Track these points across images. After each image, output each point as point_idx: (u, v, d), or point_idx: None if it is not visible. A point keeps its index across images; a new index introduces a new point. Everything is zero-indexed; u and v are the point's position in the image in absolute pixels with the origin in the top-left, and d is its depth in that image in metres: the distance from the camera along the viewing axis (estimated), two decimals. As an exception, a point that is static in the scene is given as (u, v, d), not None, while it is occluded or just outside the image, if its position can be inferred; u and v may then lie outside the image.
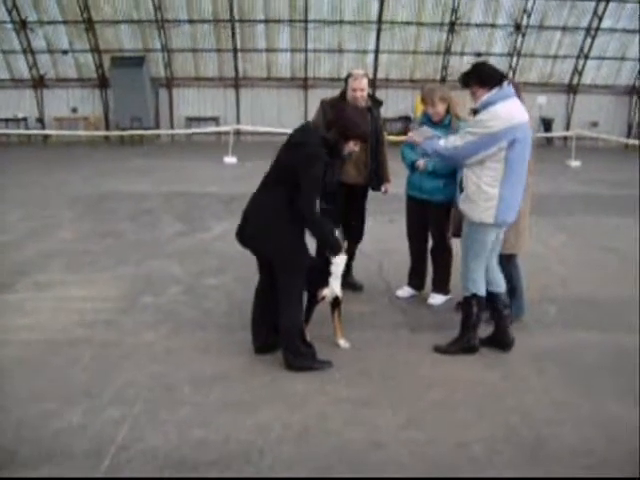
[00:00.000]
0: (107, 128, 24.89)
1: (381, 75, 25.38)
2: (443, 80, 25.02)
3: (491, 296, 5.26)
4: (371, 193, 6.63)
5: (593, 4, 23.84)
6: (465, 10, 24.11)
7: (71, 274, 7.27)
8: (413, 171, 6.16)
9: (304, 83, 25.52)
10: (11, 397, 4.40)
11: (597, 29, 24.37)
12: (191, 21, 24.18)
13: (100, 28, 24.01)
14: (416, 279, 6.63)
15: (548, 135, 24.05)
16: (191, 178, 14.99)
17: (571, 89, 26.17)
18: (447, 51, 25.16)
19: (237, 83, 25.52)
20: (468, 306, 5.21)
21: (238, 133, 22.68)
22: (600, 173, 17.17)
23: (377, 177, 6.52)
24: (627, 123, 26.69)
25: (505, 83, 4.82)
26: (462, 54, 25.13)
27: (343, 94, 6.34)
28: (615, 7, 23.77)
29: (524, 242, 5.72)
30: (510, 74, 23.85)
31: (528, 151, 4.89)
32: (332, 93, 6.77)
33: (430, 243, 6.47)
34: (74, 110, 25.26)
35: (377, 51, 25.14)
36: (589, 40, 24.76)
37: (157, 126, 24.75)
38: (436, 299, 6.45)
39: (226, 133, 20.72)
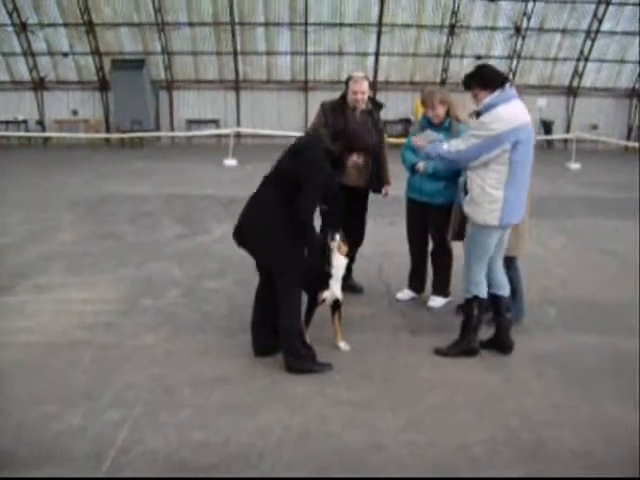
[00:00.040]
0: (107, 130, 24.92)
1: (381, 78, 25.43)
2: (443, 83, 25.06)
3: (494, 298, 5.26)
4: (371, 195, 6.63)
5: (593, 7, 23.89)
6: (465, 13, 24.15)
7: (71, 276, 7.27)
8: (413, 173, 6.16)
9: (304, 86, 25.55)
10: (11, 399, 4.39)
11: (597, 32, 24.42)
12: (191, 24, 24.23)
13: (100, 30, 24.06)
14: (416, 282, 6.63)
15: (548, 138, 24.06)
16: (191, 181, 15.00)
17: (571, 92, 26.20)
18: (447, 54, 25.21)
19: (237, 86, 25.56)
20: (469, 308, 5.21)
21: (238, 136, 22.67)
22: (600, 176, 17.18)
23: (378, 179, 6.52)
24: (627, 126, 26.73)
25: (507, 85, 4.82)
26: (462, 57, 25.18)
27: (344, 97, 6.34)
28: (615, 10, 23.82)
29: (524, 244, 5.72)
30: (510, 77, 23.85)
31: (531, 152, 4.90)
32: (332, 96, 6.77)
33: (430, 246, 6.47)
34: (74, 112, 25.29)
35: (377, 54, 25.18)
36: (589, 43, 24.81)
37: (157, 128, 24.77)
38: (436, 302, 6.45)
39: (226, 136, 20.74)
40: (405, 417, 4.25)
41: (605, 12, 23.81)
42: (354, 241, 6.25)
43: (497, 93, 4.77)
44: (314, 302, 5.25)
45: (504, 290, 5.27)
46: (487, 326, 5.40)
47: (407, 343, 5.53)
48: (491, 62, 21.67)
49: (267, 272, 4.95)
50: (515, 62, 25.35)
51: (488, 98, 4.78)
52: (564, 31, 24.73)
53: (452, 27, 24.48)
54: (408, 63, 25.68)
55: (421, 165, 5.97)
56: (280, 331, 4.85)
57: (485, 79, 4.84)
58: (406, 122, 24.33)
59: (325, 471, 3.64)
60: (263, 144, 22.64)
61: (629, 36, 24.62)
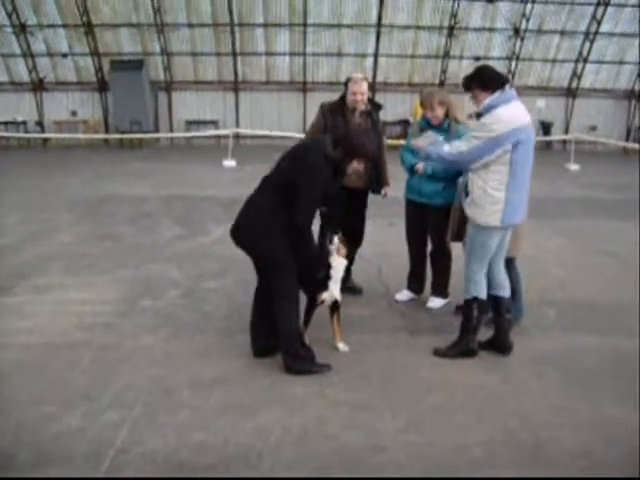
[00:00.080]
0: (106, 131, 24.96)
1: (380, 79, 25.47)
2: (442, 84, 25.11)
3: (495, 299, 5.27)
4: (371, 196, 6.63)
5: (591, 8, 23.95)
6: (464, 14, 24.17)
7: (70, 277, 7.27)
8: (412, 174, 6.17)
9: (303, 87, 25.59)
10: (10, 400, 4.39)
11: (596, 33, 24.47)
12: (190, 25, 24.27)
13: (99, 31, 24.10)
14: (415, 283, 6.63)
15: (547, 139, 24.08)
16: (190, 181, 15.00)
17: (570, 93, 26.25)
18: (446, 55, 25.26)
19: (236, 86, 25.59)
20: (469, 309, 5.21)
21: (237, 136, 22.71)
22: (599, 177, 17.20)
23: (377, 181, 6.52)
24: (626, 127, 26.78)
25: (507, 86, 4.83)
26: (461, 58, 25.24)
27: (343, 98, 6.35)
28: (613, 11, 23.87)
29: (522, 245, 5.73)
30: (509, 78, 23.88)
31: (531, 153, 4.90)
32: (331, 97, 6.78)
33: (429, 247, 6.48)
34: (73, 113, 25.33)
35: (376, 55, 25.23)
36: (588, 44, 24.86)
37: (156, 129, 24.79)
38: (435, 303, 6.45)
39: (225, 136, 20.78)
40: (404, 418, 4.25)
41: (604, 13, 23.86)
42: (353, 242, 6.25)
43: (497, 94, 4.77)
44: (313, 303, 5.25)
45: (505, 291, 5.28)
46: (486, 327, 5.39)
47: (406, 344, 5.53)
48: (490, 63, 21.72)
49: (265, 273, 4.96)
50: (514, 63, 25.41)
51: (488, 99, 4.79)
52: (563, 32, 24.78)
53: (451, 28, 24.53)
54: (407, 64, 25.73)
55: (420, 166, 5.97)
56: (279, 332, 4.85)
57: (485, 80, 4.84)
58: (405, 123, 24.35)
59: (324, 472, 3.64)
60: (262, 145, 22.66)
61: (628, 37, 24.68)
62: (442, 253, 6.34)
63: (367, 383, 4.76)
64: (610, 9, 23.75)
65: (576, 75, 25.82)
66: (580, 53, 25.26)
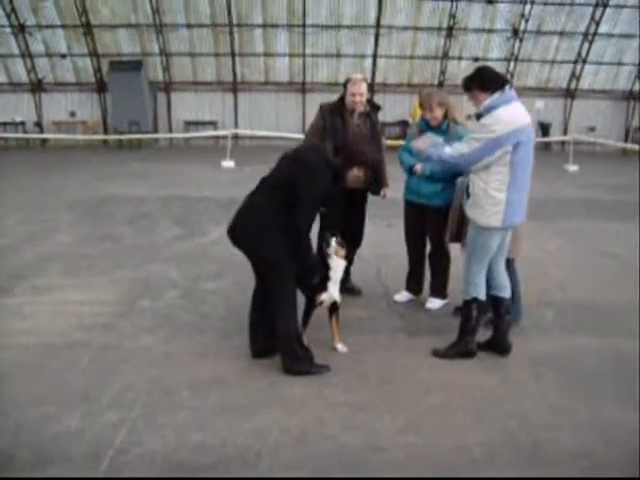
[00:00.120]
0: (105, 132, 24.95)
1: (379, 80, 25.46)
2: (441, 85, 25.10)
3: (495, 300, 5.28)
4: (370, 197, 6.63)
5: (590, 9, 23.95)
6: (463, 15, 24.18)
7: (69, 278, 7.27)
8: (411, 175, 6.17)
9: (302, 87, 25.59)
10: (10, 401, 4.39)
11: (594, 34, 24.47)
12: (189, 25, 24.26)
13: (98, 32, 24.08)
14: (414, 284, 6.63)
15: (546, 140, 24.08)
16: (189, 182, 15.00)
17: (569, 94, 26.25)
18: (445, 56, 25.25)
19: (235, 87, 25.58)
20: (468, 310, 5.21)
21: (236, 137, 22.71)
22: (598, 178, 17.21)
23: (376, 182, 6.52)
24: (624, 128, 26.78)
25: (507, 87, 4.84)
26: (460, 59, 25.25)
27: (342, 99, 6.35)
28: (612, 12, 23.88)
29: (522, 247, 5.74)
30: (509, 79, 23.91)
31: (532, 154, 4.91)
32: (330, 97, 6.78)
33: (428, 248, 6.48)
34: (72, 114, 25.31)
35: (375, 56, 25.22)
36: (586, 45, 24.87)
37: (155, 130, 24.76)
38: (434, 303, 6.46)
39: (224, 137, 20.79)
40: (403, 419, 4.26)
41: (602, 15, 23.87)
42: (353, 243, 6.26)
43: (497, 95, 4.78)
44: (312, 304, 5.26)
45: (505, 292, 5.28)
46: (485, 328, 5.40)
47: (405, 345, 5.53)
48: (489, 64, 21.74)
49: (263, 274, 4.97)
50: (513, 64, 25.40)
51: (488, 100, 4.79)
52: (562, 33, 24.79)
53: (450, 29, 24.53)
54: (406, 65, 25.72)
55: (419, 167, 5.98)
56: (277, 333, 4.85)
57: (484, 81, 4.85)
58: (404, 124, 24.36)
59: (323, 472, 3.64)
60: (261, 145, 22.65)
61: (626, 38, 24.69)
62: (441, 254, 6.35)
63: (366, 384, 4.76)
64: (609, 10, 23.76)
65: (575, 76, 25.83)
66: (579, 54, 25.26)
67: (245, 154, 20.01)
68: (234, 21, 24.07)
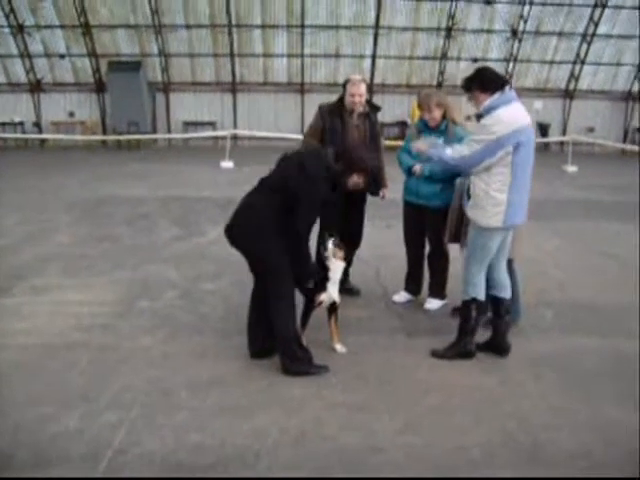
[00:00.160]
0: (104, 132, 24.95)
1: (378, 80, 25.48)
2: (439, 85, 25.12)
3: (495, 300, 5.28)
4: (369, 198, 6.62)
5: (589, 10, 23.99)
6: (461, 16, 24.19)
7: (68, 278, 7.26)
8: (410, 176, 6.17)
9: (301, 88, 25.61)
10: (8, 401, 4.39)
11: (593, 35, 24.51)
12: (188, 26, 24.27)
13: (97, 32, 24.09)
14: (413, 284, 6.63)
15: (544, 140, 24.09)
16: (188, 183, 15.00)
17: (567, 94, 26.29)
18: (444, 56, 25.28)
19: (234, 88, 25.59)
20: (467, 310, 5.20)
21: (235, 138, 22.72)
22: (597, 178, 17.23)
23: (375, 182, 6.51)
24: (623, 128, 26.81)
25: (507, 87, 4.84)
26: (458, 59, 25.28)
27: (341, 99, 6.35)
28: (611, 13, 23.92)
29: (521, 247, 5.74)
30: (509, 79, 23.93)
31: (532, 154, 4.91)
32: (329, 98, 6.79)
33: (427, 248, 6.48)
34: (71, 114, 25.32)
35: (374, 56, 25.24)
36: (585, 46, 24.89)
37: (154, 130, 24.77)
38: (432, 304, 6.45)
39: (223, 138, 20.79)
40: (402, 419, 4.25)
41: (601, 15, 23.91)
42: (352, 244, 6.26)
43: (497, 95, 4.78)
44: (311, 305, 5.25)
45: (506, 292, 5.28)
46: (483, 328, 5.40)
47: (404, 345, 5.53)
48: (487, 65, 21.77)
49: (261, 274, 4.97)
50: (511, 65, 25.43)
51: (488, 100, 4.79)
52: (560, 34, 24.82)
53: (449, 30, 24.55)
54: (404, 66, 25.75)
55: (418, 168, 5.98)
56: (276, 333, 4.85)
57: (484, 82, 4.85)
58: (402, 125, 24.40)
59: (322, 472, 3.64)
60: (260, 146, 22.67)
61: (625, 39, 24.73)
62: (440, 254, 6.35)
63: (365, 384, 4.76)
64: (607, 11, 23.81)
65: (573, 77, 25.87)
66: (577, 55, 25.30)
67: (244, 154, 20.02)
68: (233, 22, 24.08)
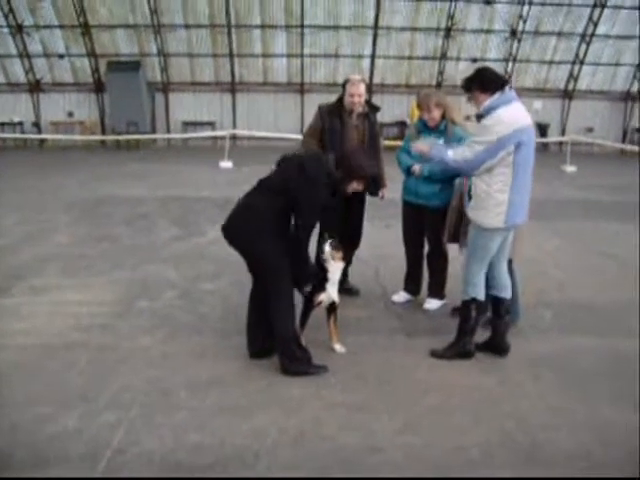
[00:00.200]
0: (103, 132, 24.93)
1: (377, 80, 25.47)
2: (439, 85, 25.12)
3: (495, 300, 5.28)
4: (368, 198, 6.62)
5: (588, 10, 23.99)
6: (461, 16, 24.19)
7: (67, 278, 7.26)
8: (409, 176, 6.17)
9: (300, 88, 25.60)
10: (7, 401, 4.38)
11: (592, 35, 24.51)
12: (187, 26, 24.26)
13: (96, 32, 24.07)
14: (412, 284, 6.63)
15: (543, 140, 24.09)
16: (187, 183, 14.99)
17: (566, 95, 26.29)
18: (443, 56, 25.28)
19: (233, 88, 25.58)
20: (467, 310, 5.20)
21: (234, 138, 22.71)
22: (596, 178, 17.23)
23: (375, 183, 6.51)
24: (622, 129, 26.81)
25: (507, 87, 4.84)
26: (458, 59, 25.28)
27: (340, 100, 6.35)
28: (610, 13, 23.92)
29: (522, 248, 5.74)
30: (509, 79, 23.94)
31: (532, 154, 4.91)
32: (328, 98, 6.79)
33: (426, 248, 6.48)
34: (70, 114, 25.30)
35: (373, 56, 25.23)
36: (584, 46, 24.89)
37: (153, 130, 24.76)
38: (432, 304, 6.46)
39: (222, 138, 20.78)
40: (401, 419, 4.26)
41: (600, 15, 23.91)
42: (351, 244, 6.27)
43: (497, 96, 4.78)
44: (310, 305, 5.25)
45: (506, 292, 5.29)
46: (482, 328, 5.40)
47: (403, 345, 5.53)
48: (487, 65, 21.76)
49: (259, 274, 4.97)
50: (511, 65, 25.42)
51: (488, 101, 4.79)
52: (560, 34, 24.82)
53: (448, 30, 24.54)
54: (404, 66, 25.74)
55: (417, 168, 5.98)
56: (275, 333, 4.85)
57: (485, 82, 4.84)
58: (402, 125, 24.39)
59: (321, 473, 3.64)
60: (259, 146, 22.67)
61: (624, 39, 24.74)
62: (439, 254, 6.35)
63: (364, 384, 4.76)
64: (607, 11, 23.81)
65: (573, 77, 25.87)
66: (577, 55, 25.30)
67: (243, 155, 20.02)
68: (232, 22, 24.07)
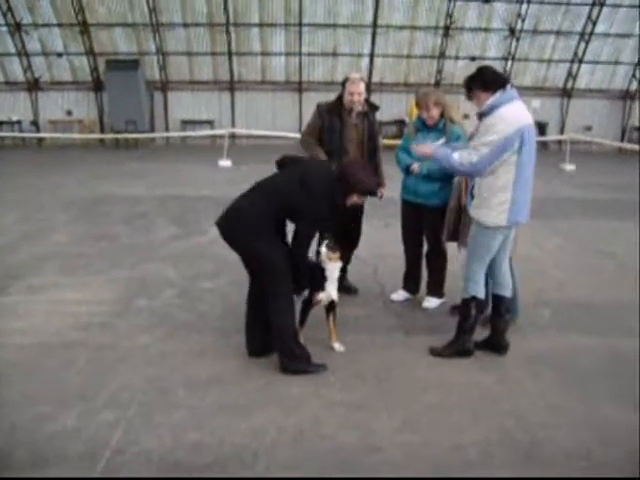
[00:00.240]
0: (102, 131, 24.89)
1: (376, 79, 25.45)
2: (437, 84, 25.12)
3: (496, 298, 5.28)
4: (367, 197, 6.61)
5: (587, 9, 23.98)
6: (459, 14, 24.19)
7: (65, 277, 7.25)
8: (408, 175, 6.16)
9: (299, 86, 25.59)
10: (5, 400, 4.38)
11: (591, 34, 24.51)
12: (186, 24, 24.23)
13: (95, 31, 24.04)
14: (411, 283, 6.63)
15: (542, 139, 24.06)
16: (186, 181, 14.98)
17: (565, 93, 26.29)
18: (441, 55, 25.27)
19: (232, 86, 25.56)
20: (466, 308, 5.20)
21: (233, 136, 22.68)
22: (595, 177, 17.23)
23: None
24: (621, 127, 26.82)
25: (508, 86, 4.83)
26: (456, 58, 25.28)
27: (340, 98, 6.34)
28: (609, 12, 23.92)
29: (516, 245, 5.73)
30: (510, 78, 23.92)
31: (534, 153, 4.90)
32: (327, 96, 6.78)
33: (425, 247, 6.47)
34: (69, 113, 25.27)
35: (372, 55, 25.22)
36: (583, 44, 24.90)
37: (152, 129, 24.75)
38: (431, 302, 6.45)
39: (221, 136, 20.77)
40: (400, 417, 4.25)
41: (599, 14, 23.90)
42: (350, 243, 6.27)
43: (498, 94, 4.77)
44: (309, 303, 5.25)
45: (507, 291, 5.28)
46: (482, 327, 5.40)
47: (402, 344, 5.53)
48: (485, 63, 21.76)
49: (258, 273, 4.96)
50: (509, 63, 25.42)
51: (490, 99, 4.78)
52: (558, 33, 24.82)
53: (446, 28, 24.54)
54: (402, 64, 25.73)
55: (416, 166, 5.97)
56: (274, 332, 4.85)
57: (486, 81, 4.84)
58: (400, 123, 24.35)
59: (320, 472, 3.64)
60: (258, 145, 22.68)
61: (623, 38, 24.74)
62: (438, 253, 6.34)
63: (363, 383, 4.76)
64: (605, 10, 23.80)
65: (571, 75, 25.87)
66: (575, 53, 25.30)
67: (242, 153, 20.02)
68: (231, 20, 24.05)
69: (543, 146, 24.37)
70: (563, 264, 8.18)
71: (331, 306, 5.30)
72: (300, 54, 25.04)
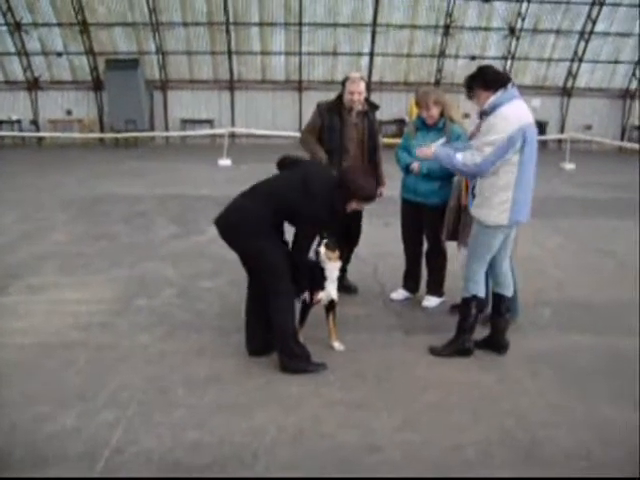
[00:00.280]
0: (101, 130, 24.88)
1: (375, 78, 25.45)
2: (437, 83, 25.12)
3: (497, 298, 5.28)
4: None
5: (587, 8, 23.97)
6: (459, 13, 24.19)
7: (65, 277, 7.24)
8: (408, 174, 6.16)
9: (299, 86, 25.59)
10: (5, 400, 4.37)
11: (591, 32, 24.50)
12: (185, 23, 24.23)
13: (94, 30, 24.04)
14: (411, 282, 6.62)
15: (542, 138, 24.01)
16: (185, 180, 14.98)
17: (565, 92, 26.29)
18: (441, 54, 25.27)
19: (232, 85, 25.56)
20: (467, 308, 5.20)
21: (233, 135, 22.68)
22: (595, 176, 17.23)
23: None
24: (621, 126, 26.81)
25: (509, 85, 4.82)
26: (456, 57, 25.28)
27: (340, 97, 6.33)
28: (609, 11, 23.92)
29: (516, 244, 5.73)
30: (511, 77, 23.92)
31: (535, 152, 4.90)
32: (326, 96, 6.78)
33: (425, 246, 6.47)
34: (68, 112, 25.27)
35: (372, 54, 25.22)
36: (583, 43, 24.89)
37: (152, 128, 24.75)
38: (430, 302, 6.45)
39: (221, 135, 20.76)
40: (400, 417, 4.25)
41: (599, 13, 23.90)
42: (350, 242, 6.26)
43: (500, 93, 4.77)
44: (309, 302, 5.24)
45: (508, 290, 5.28)
46: (482, 326, 5.39)
47: (402, 343, 5.52)
48: (485, 63, 21.76)
49: (257, 272, 4.96)
50: (509, 63, 25.41)
51: (492, 98, 4.77)
52: (558, 32, 24.81)
53: (446, 28, 24.54)
54: (402, 63, 25.74)
55: (415, 165, 5.96)
56: (274, 331, 4.85)
57: (487, 80, 4.83)
58: (400, 122, 24.34)
59: (320, 471, 3.63)
60: (257, 144, 22.69)
61: (623, 37, 24.74)
62: (437, 252, 6.34)
63: (363, 382, 4.75)
64: (605, 9, 23.81)
65: (571, 74, 25.87)
66: (575, 52, 25.30)
67: (242, 152, 20.01)
68: (231, 19, 24.05)
69: (543, 145, 24.28)
70: (563, 263, 8.18)
71: (331, 305, 5.29)
72: (300, 53, 25.04)
